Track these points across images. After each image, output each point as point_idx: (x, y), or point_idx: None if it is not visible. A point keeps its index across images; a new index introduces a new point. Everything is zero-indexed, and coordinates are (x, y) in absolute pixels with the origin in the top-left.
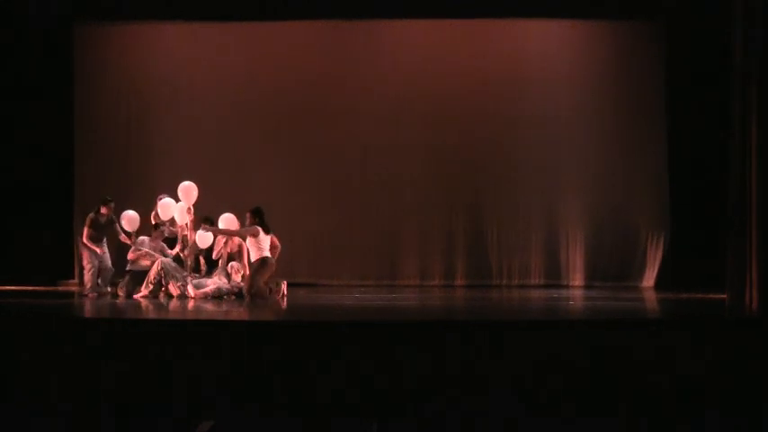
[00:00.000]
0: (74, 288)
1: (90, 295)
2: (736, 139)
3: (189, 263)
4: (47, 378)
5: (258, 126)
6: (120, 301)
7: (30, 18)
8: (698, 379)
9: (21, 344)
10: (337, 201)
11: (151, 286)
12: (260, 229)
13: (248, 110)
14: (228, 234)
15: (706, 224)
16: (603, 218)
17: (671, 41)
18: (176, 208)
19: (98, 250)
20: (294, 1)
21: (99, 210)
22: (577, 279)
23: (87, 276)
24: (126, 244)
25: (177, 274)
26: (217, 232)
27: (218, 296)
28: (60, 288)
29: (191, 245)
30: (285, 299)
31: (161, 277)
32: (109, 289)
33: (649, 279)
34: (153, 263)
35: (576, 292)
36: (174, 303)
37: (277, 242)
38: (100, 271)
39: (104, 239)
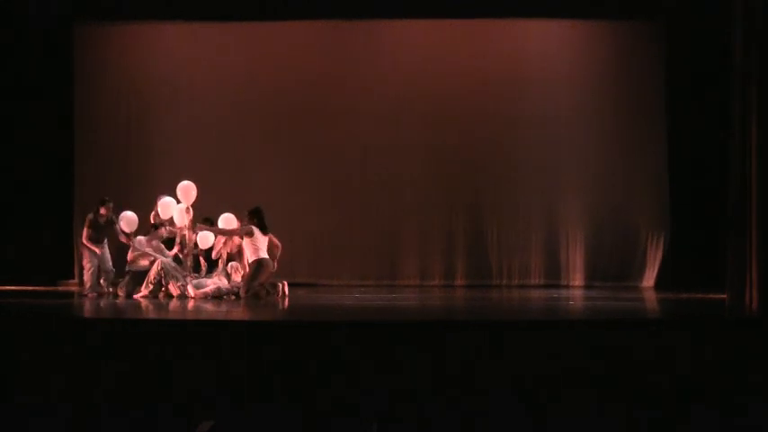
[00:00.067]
0: (74, 288)
1: (90, 295)
2: (736, 139)
3: (188, 263)
4: (47, 378)
5: (258, 126)
6: (120, 301)
7: (30, 18)
8: (698, 379)
9: (21, 344)
10: (337, 201)
11: (151, 286)
12: (254, 228)
13: (248, 110)
14: (221, 233)
15: (706, 224)
16: (603, 218)
17: (671, 41)
18: (176, 209)
19: (97, 250)
20: (294, 1)
21: (98, 210)
22: (577, 279)
23: (87, 276)
24: (126, 245)
25: (177, 274)
26: (210, 231)
27: (218, 296)
28: (60, 288)
29: (189, 245)
30: (287, 299)
31: (161, 277)
32: (110, 289)
33: (649, 279)
34: (152, 263)
35: (575, 292)
36: (174, 303)
37: (277, 242)
38: (101, 271)
39: (105, 240)
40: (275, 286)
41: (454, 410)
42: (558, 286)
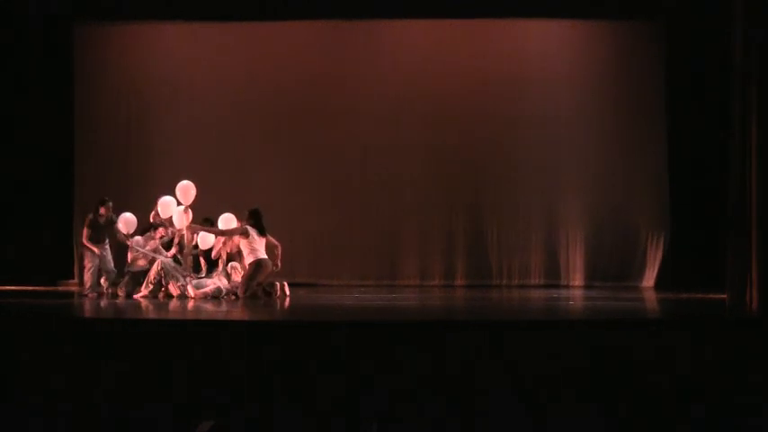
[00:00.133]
0: (74, 288)
1: (90, 295)
2: (736, 139)
3: (188, 263)
4: (47, 378)
5: (258, 126)
6: (120, 301)
7: (30, 18)
8: (698, 379)
9: (21, 344)
10: (337, 201)
11: (151, 286)
12: (249, 228)
13: (248, 110)
14: (217, 234)
15: (706, 224)
16: (603, 218)
17: (671, 41)
18: (176, 210)
19: (97, 251)
20: (294, 1)
21: (98, 210)
22: (577, 279)
23: (87, 276)
24: (127, 245)
25: (177, 274)
26: (205, 231)
27: (217, 296)
28: (60, 288)
29: (188, 246)
30: (288, 298)
31: (161, 277)
32: (110, 289)
33: (649, 279)
34: (151, 263)
35: (575, 292)
36: (174, 303)
37: (275, 242)
38: (101, 271)
39: (106, 240)
40: (273, 285)
41: (454, 410)
42: (558, 286)
